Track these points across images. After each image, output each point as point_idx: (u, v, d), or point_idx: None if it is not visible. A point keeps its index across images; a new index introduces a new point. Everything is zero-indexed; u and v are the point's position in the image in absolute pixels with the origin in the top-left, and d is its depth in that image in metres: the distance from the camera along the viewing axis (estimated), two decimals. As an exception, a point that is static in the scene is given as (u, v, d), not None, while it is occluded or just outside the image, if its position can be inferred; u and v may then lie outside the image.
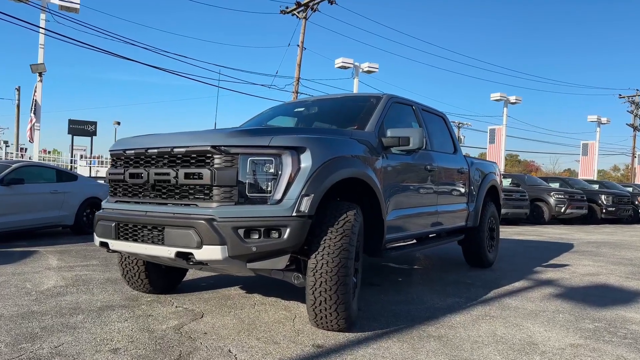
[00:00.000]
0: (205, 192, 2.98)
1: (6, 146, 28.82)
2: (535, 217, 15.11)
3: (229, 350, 2.81)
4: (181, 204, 3.06)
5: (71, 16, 14.58)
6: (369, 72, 22.17)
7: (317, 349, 2.89)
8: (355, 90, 21.42)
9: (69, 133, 22.52)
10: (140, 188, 3.29)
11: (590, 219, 16.16)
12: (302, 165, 3.02)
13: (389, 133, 3.93)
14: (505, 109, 27.65)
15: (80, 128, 22.88)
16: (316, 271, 3.00)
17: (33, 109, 15.31)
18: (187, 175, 3.00)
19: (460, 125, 39.00)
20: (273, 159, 2.98)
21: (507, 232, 11.29)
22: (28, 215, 7.55)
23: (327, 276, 2.98)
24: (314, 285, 3.01)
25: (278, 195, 2.95)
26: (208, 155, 2.98)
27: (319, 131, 3.78)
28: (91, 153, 24.49)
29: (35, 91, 15.16)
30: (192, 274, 4.87)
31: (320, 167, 3.07)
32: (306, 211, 2.93)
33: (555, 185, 17.21)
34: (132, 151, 3.33)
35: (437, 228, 5.04)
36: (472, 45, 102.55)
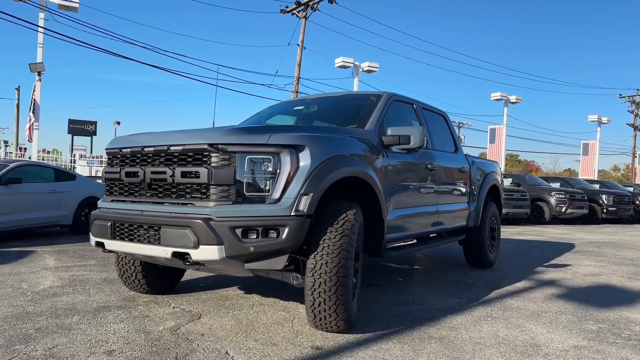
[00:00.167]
0: (202, 191, 2.93)
1: (6, 146, 28.78)
2: (535, 217, 15.06)
3: (227, 352, 2.76)
4: (178, 203, 3.01)
5: (70, 15, 14.54)
6: (369, 71, 22.11)
7: (316, 350, 2.84)
8: (355, 90, 21.38)
9: (69, 133, 22.53)
10: (137, 187, 3.23)
11: (591, 218, 16.11)
12: (301, 163, 2.97)
13: (389, 131, 3.88)
14: (505, 108, 27.59)
15: (80, 128, 22.88)
16: (315, 271, 2.95)
17: (32, 109, 15.26)
18: (183, 174, 2.95)
19: (461, 125, 38.93)
20: (271, 158, 2.93)
21: (507, 232, 11.24)
22: (26, 215, 7.50)
23: (326, 277, 2.92)
24: (313, 285, 2.95)
25: (276, 195, 2.90)
26: (205, 153, 2.93)
27: (318, 129, 3.73)
28: (91, 153, 24.48)
29: (34, 90, 15.11)
30: (190, 274, 4.81)
31: (320, 165, 3.02)
32: (305, 210, 2.88)
33: (556, 185, 17.15)
34: (128, 149, 3.28)
35: (438, 228, 4.99)
36: (473, 45, 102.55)
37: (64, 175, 8.64)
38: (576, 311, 3.95)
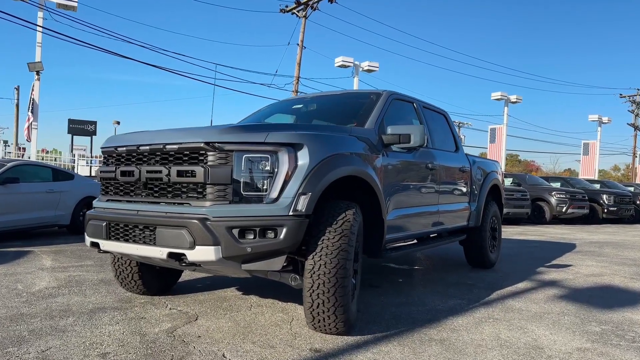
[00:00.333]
0: (199, 190, 2.87)
1: (6, 146, 28.73)
2: (536, 217, 15.00)
3: (223, 355, 2.70)
4: (173, 203, 2.95)
5: (69, 14, 14.49)
6: (369, 71, 22.06)
7: (315, 353, 2.78)
8: (355, 89, 21.31)
9: (68, 133, 22.40)
10: (132, 186, 3.18)
11: (591, 218, 16.05)
12: (300, 162, 2.92)
13: (389, 130, 3.83)
14: (505, 108, 27.55)
15: (80, 128, 22.76)
16: (314, 272, 2.89)
17: (31, 108, 15.21)
18: (179, 173, 2.89)
19: (461, 124, 38.86)
20: (269, 156, 2.87)
21: (508, 232, 11.18)
22: (23, 215, 7.44)
23: (325, 278, 2.87)
24: (312, 287, 2.90)
25: (274, 194, 2.84)
26: (201, 152, 2.87)
27: (317, 127, 3.67)
28: (91, 153, 24.38)
29: (32, 90, 15.06)
30: (188, 275, 4.76)
31: (318, 164, 2.96)
32: (303, 210, 2.82)
33: (557, 184, 17.10)
34: (124, 148, 3.22)
35: (439, 228, 4.94)
36: (473, 44, 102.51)
37: (62, 174, 8.58)
38: (579, 312, 3.90)
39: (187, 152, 2.91)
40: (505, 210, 9.17)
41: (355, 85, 22.06)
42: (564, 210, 14.74)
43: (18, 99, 33.94)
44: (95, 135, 23.22)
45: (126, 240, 3.07)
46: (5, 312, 3.42)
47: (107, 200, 3.37)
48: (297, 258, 3.09)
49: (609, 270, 6.10)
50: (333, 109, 4.71)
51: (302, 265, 3.04)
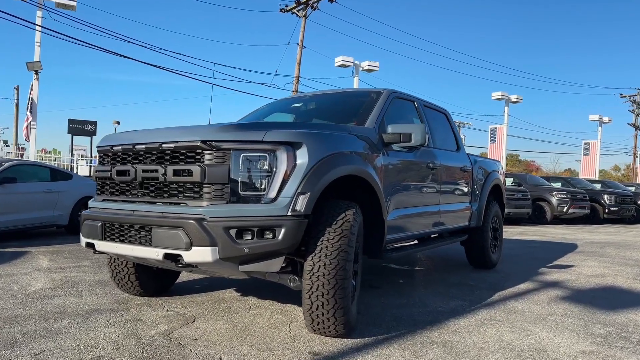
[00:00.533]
0: (195, 190, 2.81)
1: (5, 146, 28.69)
2: (537, 217, 14.94)
3: (220, 358, 2.64)
4: (170, 203, 2.89)
5: (68, 13, 14.43)
6: (369, 70, 21.99)
7: (314, 356, 2.72)
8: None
9: (68, 133, 22.33)
10: (128, 186, 3.12)
11: (592, 218, 15.99)
12: (298, 161, 2.86)
13: (389, 129, 3.77)
14: (506, 108, 27.49)
15: (80, 128, 22.68)
16: (313, 274, 2.83)
17: (29, 107, 15.16)
18: (176, 172, 2.83)
19: (461, 124, 38.79)
20: (267, 155, 2.81)
21: (509, 232, 11.12)
22: (21, 215, 7.39)
23: (324, 279, 2.81)
24: (311, 288, 2.84)
25: (272, 194, 2.78)
26: (198, 151, 2.81)
27: (316, 126, 3.61)
28: (91, 153, 24.31)
29: (31, 89, 15.00)
30: (185, 276, 4.70)
31: (318, 163, 2.90)
32: (302, 210, 2.76)
33: (558, 184, 17.04)
34: (119, 147, 3.16)
35: (440, 228, 4.88)
36: (473, 44, 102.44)
37: (60, 174, 8.52)
38: (582, 314, 3.84)
39: (184, 151, 2.85)
40: (506, 210, 9.13)
41: (355, 85, 21.99)
42: (564, 210, 14.68)
43: (18, 99, 33.90)
44: (95, 135, 23.15)
45: (122, 241, 3.01)
46: (0, 314, 3.37)
47: (103, 200, 3.31)
48: (296, 259, 3.03)
49: (612, 271, 6.04)
50: (333, 108, 4.65)
51: (301, 266, 2.98)
